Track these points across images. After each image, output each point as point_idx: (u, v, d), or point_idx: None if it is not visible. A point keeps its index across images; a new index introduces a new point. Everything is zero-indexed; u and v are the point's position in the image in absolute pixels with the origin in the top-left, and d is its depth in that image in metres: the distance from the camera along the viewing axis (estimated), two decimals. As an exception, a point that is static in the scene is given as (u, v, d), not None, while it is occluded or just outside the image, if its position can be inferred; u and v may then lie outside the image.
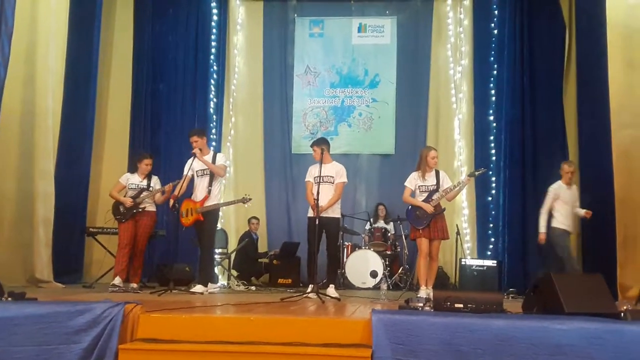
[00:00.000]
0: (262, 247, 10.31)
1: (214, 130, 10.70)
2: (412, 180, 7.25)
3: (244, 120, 11.08)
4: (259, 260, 9.86)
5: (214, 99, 10.83)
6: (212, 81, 10.88)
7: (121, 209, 7.71)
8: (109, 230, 8.51)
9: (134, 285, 7.61)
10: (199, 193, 7.42)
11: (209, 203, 7.34)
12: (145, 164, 7.88)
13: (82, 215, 9.19)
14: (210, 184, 7.39)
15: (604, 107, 7.36)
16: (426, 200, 7.08)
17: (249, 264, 9.68)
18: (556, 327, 3.89)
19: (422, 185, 7.18)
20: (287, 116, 11.08)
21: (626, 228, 6.99)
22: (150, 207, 7.84)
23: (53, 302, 4.57)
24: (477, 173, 7.39)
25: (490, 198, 10.14)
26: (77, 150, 9.11)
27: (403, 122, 10.84)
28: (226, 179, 10.34)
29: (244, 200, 7.74)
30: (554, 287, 4.40)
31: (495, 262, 8.62)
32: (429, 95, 10.74)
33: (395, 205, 9.90)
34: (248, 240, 9.65)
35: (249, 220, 10.10)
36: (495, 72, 10.41)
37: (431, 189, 7.13)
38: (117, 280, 7.43)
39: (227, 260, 9.47)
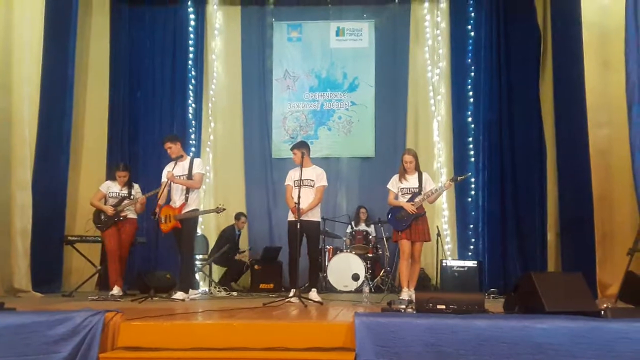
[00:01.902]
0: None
1: (193, 136, 10.61)
2: (394, 183, 7.30)
3: (223, 126, 11.01)
4: (238, 258, 9.76)
5: (193, 105, 10.74)
6: (191, 87, 10.77)
7: (102, 217, 7.70)
8: (88, 238, 8.46)
9: (115, 291, 7.55)
10: (177, 200, 7.40)
11: (186, 210, 7.32)
12: (119, 176, 7.88)
13: (60, 224, 9.04)
14: (187, 191, 7.38)
15: (580, 106, 7.43)
16: (409, 202, 7.11)
17: (230, 263, 9.63)
18: (537, 326, 3.91)
19: (404, 188, 7.22)
20: (266, 121, 11.03)
21: (604, 226, 7.05)
22: (132, 215, 7.88)
23: (32, 312, 4.51)
24: (459, 178, 7.39)
25: (469, 199, 10.18)
26: (54, 159, 8.98)
27: (382, 125, 10.84)
28: (206, 184, 10.31)
29: (218, 210, 7.71)
30: (535, 286, 4.43)
31: (475, 262, 8.66)
32: (407, 98, 10.75)
33: (376, 208, 9.94)
34: (229, 246, 9.59)
35: (237, 216, 9.99)
36: (472, 73, 10.45)
37: (413, 191, 7.16)
38: (116, 290, 7.47)
39: (207, 266, 9.41)
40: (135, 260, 9.59)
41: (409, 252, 7.07)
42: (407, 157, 7.22)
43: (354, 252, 9.26)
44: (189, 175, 7.38)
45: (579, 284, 4.60)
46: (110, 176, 8.17)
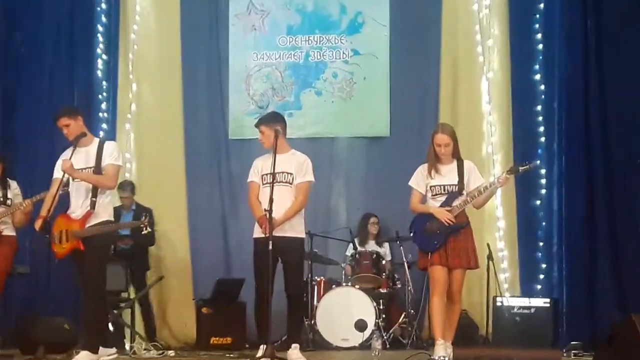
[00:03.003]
0: (186, 288, 10.26)
1: (104, 106, 10.62)
2: (420, 178, 7.27)
3: (152, 89, 10.98)
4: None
5: (103, 56, 10.73)
6: (100, 28, 10.75)
7: (-36, 234, 7.70)
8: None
9: None
10: (78, 206, 7.30)
11: (93, 222, 7.24)
12: None
13: None
14: (95, 192, 7.24)
15: None
16: (443, 207, 7.09)
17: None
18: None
19: (436, 185, 7.19)
20: (219, 81, 11.04)
21: None
22: (8, 230, 7.93)
23: None
24: (521, 169, 7.33)
25: (538, 202, 10.17)
26: None
27: (402, 87, 10.85)
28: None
29: (143, 224, 7.54)
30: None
31: (548, 300, 8.68)
32: (440, 44, 10.73)
33: (393, 217, 9.98)
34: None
35: (121, 186, 9.63)
36: (541, 5, 10.41)
37: (451, 189, 7.15)
38: None
39: (128, 311, 9.39)
40: (13, 300, 9.59)
41: (444, 285, 7.06)
42: (441, 137, 7.18)
43: (357, 287, 9.28)
44: (97, 168, 7.31)
45: None
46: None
